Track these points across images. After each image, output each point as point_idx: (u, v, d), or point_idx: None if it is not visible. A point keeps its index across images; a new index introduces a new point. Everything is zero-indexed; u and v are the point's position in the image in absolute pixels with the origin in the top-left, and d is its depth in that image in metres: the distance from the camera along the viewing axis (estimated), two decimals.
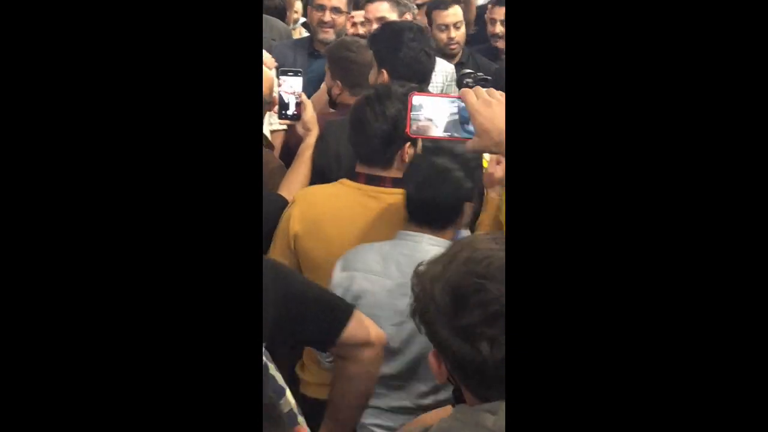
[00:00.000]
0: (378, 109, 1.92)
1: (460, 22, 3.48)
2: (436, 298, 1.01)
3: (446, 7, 3.46)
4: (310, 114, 2.25)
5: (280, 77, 2.25)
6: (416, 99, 1.28)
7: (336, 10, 3.28)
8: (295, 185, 2.17)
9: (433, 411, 1.47)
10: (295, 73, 2.25)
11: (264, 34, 3.57)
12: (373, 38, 2.56)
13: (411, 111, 1.28)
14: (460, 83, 3.00)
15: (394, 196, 1.94)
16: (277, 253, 2.00)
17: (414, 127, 1.29)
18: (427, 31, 2.46)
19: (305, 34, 4.07)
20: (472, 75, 2.91)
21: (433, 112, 1.28)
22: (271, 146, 2.51)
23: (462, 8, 3.53)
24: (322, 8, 3.29)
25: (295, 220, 1.97)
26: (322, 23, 3.28)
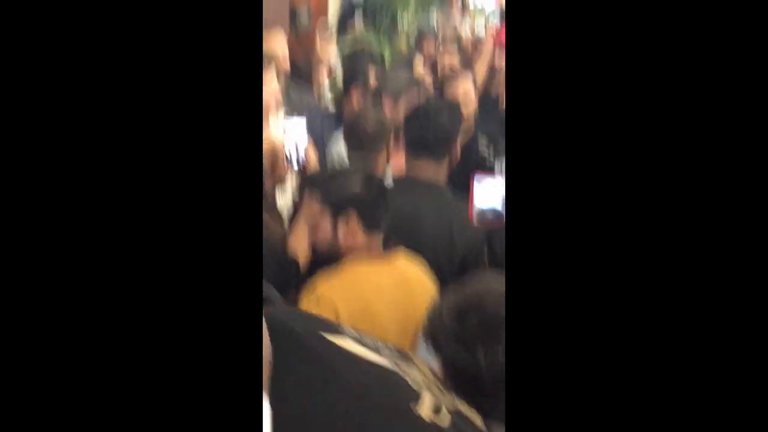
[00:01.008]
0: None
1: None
2: (443, 315, 1.19)
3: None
4: (313, 164, 2.23)
5: (285, 119, 2.24)
6: (477, 179, 1.21)
7: None
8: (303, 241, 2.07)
9: None
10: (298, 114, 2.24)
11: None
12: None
13: (473, 196, 1.22)
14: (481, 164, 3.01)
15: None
16: None
17: (477, 217, 1.24)
18: (443, 111, 2.39)
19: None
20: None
21: (491, 194, 1.21)
22: (280, 221, 2.43)
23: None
24: None
25: (342, 308, 1.74)
26: None
